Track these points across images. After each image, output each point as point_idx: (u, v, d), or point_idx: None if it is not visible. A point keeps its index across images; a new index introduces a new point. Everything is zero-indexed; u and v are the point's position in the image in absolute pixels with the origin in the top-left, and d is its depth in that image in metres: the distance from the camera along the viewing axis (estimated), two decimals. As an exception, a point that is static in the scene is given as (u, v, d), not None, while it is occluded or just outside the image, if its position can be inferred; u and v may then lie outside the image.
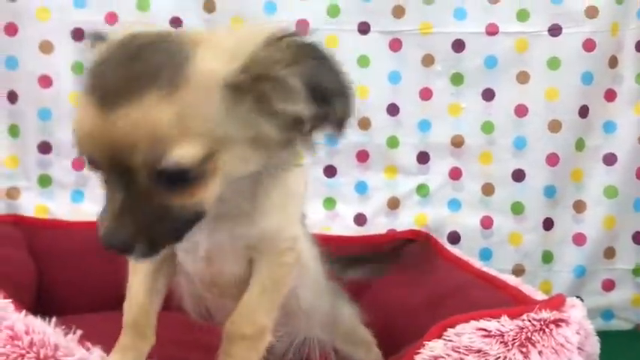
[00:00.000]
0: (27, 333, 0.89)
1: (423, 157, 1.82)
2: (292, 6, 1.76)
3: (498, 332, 0.93)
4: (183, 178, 0.72)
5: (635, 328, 1.82)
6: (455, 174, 1.82)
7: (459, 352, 0.91)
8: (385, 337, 1.39)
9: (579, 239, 1.81)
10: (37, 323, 0.91)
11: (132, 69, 0.70)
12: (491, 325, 0.94)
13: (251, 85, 0.73)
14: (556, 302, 0.99)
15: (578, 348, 0.95)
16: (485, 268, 1.37)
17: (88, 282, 1.56)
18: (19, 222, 1.65)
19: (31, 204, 1.75)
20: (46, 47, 1.74)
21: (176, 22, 1.75)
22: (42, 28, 1.73)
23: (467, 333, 0.93)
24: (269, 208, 0.88)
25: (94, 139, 0.71)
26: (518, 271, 1.79)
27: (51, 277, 1.55)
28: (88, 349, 0.92)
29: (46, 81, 1.75)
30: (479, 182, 1.81)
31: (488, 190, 1.81)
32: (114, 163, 0.71)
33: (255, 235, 0.91)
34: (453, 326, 0.95)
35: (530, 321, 0.94)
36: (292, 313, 1.07)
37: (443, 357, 0.91)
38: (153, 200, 0.72)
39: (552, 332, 0.93)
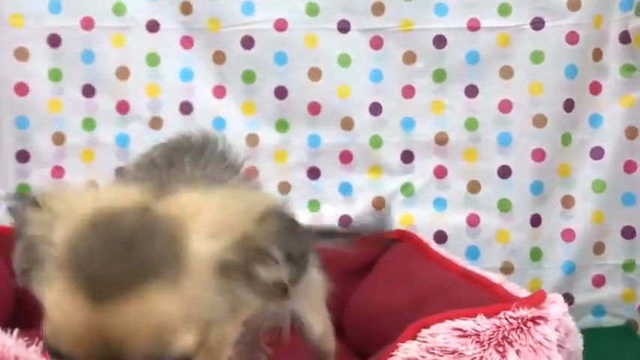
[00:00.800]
0: (-15, 345, 0.87)
1: (407, 156, 1.79)
2: (270, 5, 1.73)
3: (474, 332, 0.89)
4: None
5: (627, 324, 1.79)
6: (440, 172, 1.79)
7: (434, 354, 0.88)
8: (369, 337, 1.37)
9: (568, 235, 1.78)
10: (-3, 335, 0.89)
11: (128, 259, 0.65)
12: (467, 324, 0.90)
13: (241, 262, 0.70)
14: (535, 299, 0.95)
15: (559, 345, 0.92)
16: (470, 267, 1.34)
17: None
18: (-3, 232, 1.62)
19: (10, 213, 1.73)
20: (22, 54, 1.71)
21: (153, 25, 1.73)
22: (16, 35, 1.70)
23: (442, 333, 0.90)
24: None
25: (82, 337, 0.64)
26: (506, 269, 1.76)
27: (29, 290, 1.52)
28: (51, 361, 0.90)
29: (22, 89, 1.72)
30: (464, 180, 1.78)
31: (474, 187, 1.78)
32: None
33: None
34: (427, 327, 0.92)
35: (507, 319, 0.91)
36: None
37: (417, 358, 0.88)
38: None
39: (530, 330, 0.90)
